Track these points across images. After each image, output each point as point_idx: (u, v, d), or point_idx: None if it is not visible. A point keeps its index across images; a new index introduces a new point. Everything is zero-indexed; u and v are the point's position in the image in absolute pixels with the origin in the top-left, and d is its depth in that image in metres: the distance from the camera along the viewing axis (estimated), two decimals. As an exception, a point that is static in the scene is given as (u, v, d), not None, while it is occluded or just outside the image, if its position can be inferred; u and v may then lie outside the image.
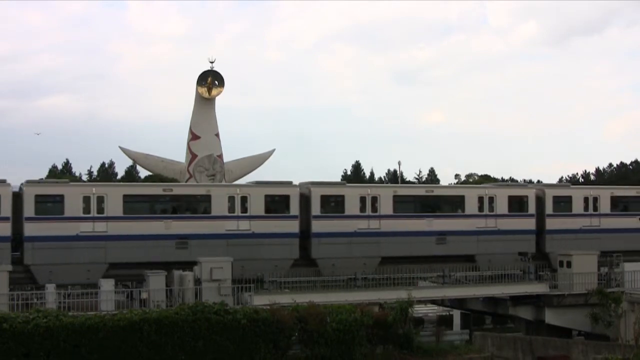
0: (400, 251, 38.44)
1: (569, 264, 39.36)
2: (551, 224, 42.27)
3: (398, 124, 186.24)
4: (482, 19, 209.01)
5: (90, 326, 26.69)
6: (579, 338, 39.02)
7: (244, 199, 36.59)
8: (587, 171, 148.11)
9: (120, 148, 63.25)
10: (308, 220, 37.69)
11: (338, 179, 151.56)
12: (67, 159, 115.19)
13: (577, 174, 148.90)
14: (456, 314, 50.17)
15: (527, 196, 42.16)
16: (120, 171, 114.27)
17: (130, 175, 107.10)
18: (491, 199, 41.14)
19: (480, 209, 40.80)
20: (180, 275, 33.20)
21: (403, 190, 41.68)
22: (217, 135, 58.51)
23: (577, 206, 43.00)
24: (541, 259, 41.54)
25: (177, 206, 36.80)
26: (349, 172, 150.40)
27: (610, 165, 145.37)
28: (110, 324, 26.94)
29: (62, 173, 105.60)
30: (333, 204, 38.93)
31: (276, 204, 37.83)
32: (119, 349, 26.86)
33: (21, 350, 25.96)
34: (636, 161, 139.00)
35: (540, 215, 42.08)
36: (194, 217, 36.28)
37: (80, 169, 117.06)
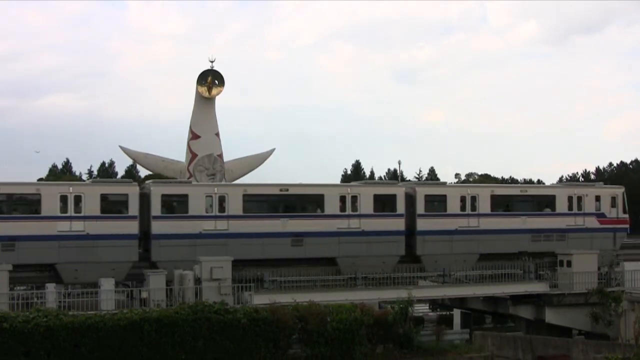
0: (252, 253, 35.92)
1: (569, 264, 39.37)
2: (423, 224, 39.45)
3: (398, 123, 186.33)
4: (482, 19, 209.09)
5: (90, 325, 26.71)
6: (579, 337, 39.03)
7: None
8: (587, 170, 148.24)
9: (121, 147, 63.22)
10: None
11: (338, 178, 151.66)
12: (67, 159, 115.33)
13: (577, 173, 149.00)
14: (456, 314, 50.21)
15: (395, 195, 39.34)
16: (121, 171, 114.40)
17: (130, 174, 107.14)
18: (354, 198, 38.35)
19: (342, 208, 38.11)
20: (180, 274, 33.23)
21: (253, 189, 38.69)
22: (217, 134, 58.48)
23: (453, 206, 40.32)
24: (413, 262, 39.10)
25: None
26: (349, 172, 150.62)
27: (611, 164, 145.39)
28: (111, 324, 26.95)
29: (62, 172, 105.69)
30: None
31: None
32: (119, 348, 26.88)
33: (21, 350, 25.98)
34: (636, 160, 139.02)
35: (411, 216, 39.52)
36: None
37: (80, 168, 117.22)
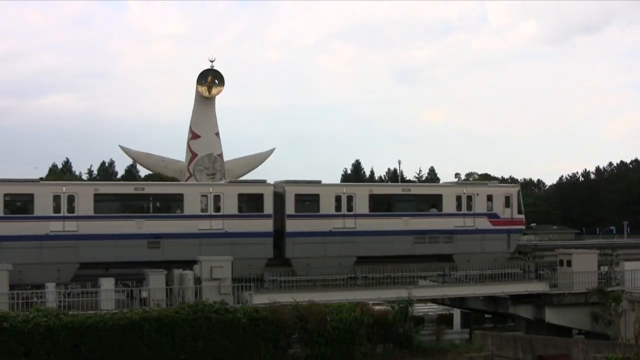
0: (102, 256, 34.10)
1: (569, 263, 39.37)
2: (293, 225, 37.28)
3: (398, 123, 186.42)
4: (482, 19, 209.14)
5: (90, 325, 26.71)
6: (579, 337, 39.03)
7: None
8: (588, 170, 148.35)
9: (121, 147, 63.23)
10: None
11: (338, 178, 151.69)
12: (67, 158, 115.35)
13: (577, 173, 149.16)
14: (456, 313, 50.23)
15: (262, 194, 37.17)
16: (121, 170, 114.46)
17: (131, 174, 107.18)
18: (217, 198, 36.43)
19: (204, 209, 36.19)
20: (180, 274, 33.24)
21: (105, 189, 36.49)
22: (217, 134, 58.49)
23: (327, 206, 37.93)
24: (283, 266, 37.09)
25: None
26: (349, 172, 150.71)
27: (611, 164, 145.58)
28: (111, 323, 26.95)
29: (62, 172, 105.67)
30: None
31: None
32: (119, 348, 26.88)
33: (21, 349, 25.99)
34: (636, 160, 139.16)
35: (281, 216, 37.47)
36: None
37: (80, 168, 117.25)
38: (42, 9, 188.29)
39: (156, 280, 32.18)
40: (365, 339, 30.39)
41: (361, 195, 38.85)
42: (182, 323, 27.71)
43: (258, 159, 67.06)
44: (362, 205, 38.55)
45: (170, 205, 36.81)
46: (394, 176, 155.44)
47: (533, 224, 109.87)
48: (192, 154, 57.60)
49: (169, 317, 27.77)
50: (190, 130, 58.43)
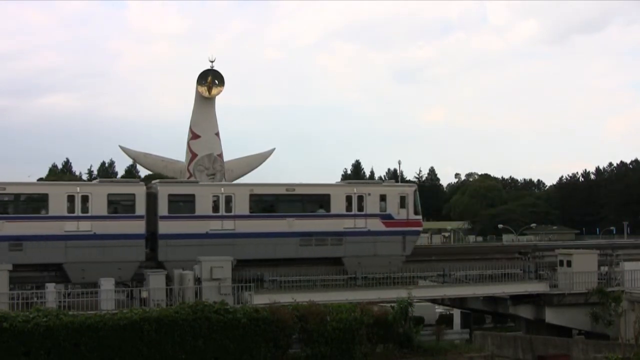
0: None
1: (569, 263, 39.38)
2: (166, 227, 35.88)
3: (398, 122, 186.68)
4: (482, 18, 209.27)
5: (90, 325, 26.69)
6: (579, 337, 39.05)
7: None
8: (588, 170, 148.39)
9: (120, 147, 63.26)
10: None
11: (338, 177, 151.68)
12: (67, 158, 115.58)
13: (577, 173, 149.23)
14: (456, 313, 50.27)
15: (134, 194, 35.65)
16: (121, 170, 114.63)
17: (130, 174, 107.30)
18: (85, 198, 34.85)
19: (71, 209, 34.53)
20: (180, 274, 33.26)
21: None
22: (217, 134, 58.52)
23: (203, 206, 36.66)
24: (157, 268, 35.45)
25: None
26: (349, 172, 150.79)
27: (611, 164, 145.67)
28: (111, 323, 26.93)
29: (62, 172, 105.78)
30: None
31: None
32: (119, 348, 26.86)
33: (21, 349, 25.95)
34: (636, 160, 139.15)
35: (154, 218, 36.07)
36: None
37: (80, 168, 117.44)
38: (42, 8, 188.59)
39: (156, 280, 32.21)
40: (365, 338, 30.37)
41: (241, 195, 37.25)
42: (182, 323, 27.68)
43: (258, 159, 67.09)
44: (241, 205, 37.00)
45: (34, 206, 35.05)
46: (394, 176, 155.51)
47: (533, 224, 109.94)
48: (192, 154, 57.64)
49: (169, 317, 27.75)
50: (190, 130, 58.47)
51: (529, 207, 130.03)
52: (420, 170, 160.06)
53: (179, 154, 61.80)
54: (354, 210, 38.59)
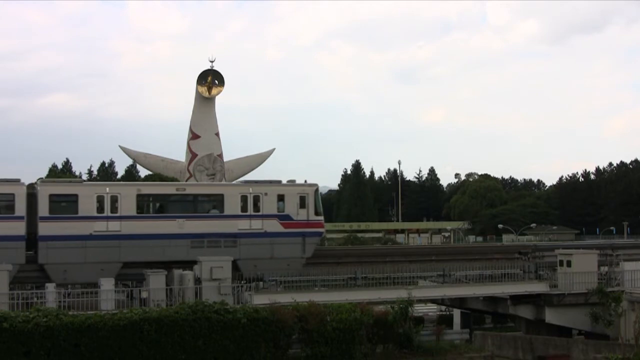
0: None
1: (569, 264, 39.38)
2: (47, 228, 34.24)
3: (398, 122, 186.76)
4: (482, 17, 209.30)
5: (90, 325, 26.72)
6: (579, 337, 39.06)
7: None
8: (588, 170, 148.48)
9: (120, 147, 63.34)
10: None
11: (338, 177, 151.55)
12: (67, 158, 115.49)
13: (577, 173, 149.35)
14: (456, 313, 50.24)
15: (13, 194, 34.06)
16: (121, 170, 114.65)
17: (131, 174, 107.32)
18: None
19: None
20: (180, 274, 33.28)
21: None
22: (217, 134, 58.57)
23: (87, 207, 35.03)
24: (38, 271, 34.31)
25: None
26: (349, 172, 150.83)
27: (610, 164, 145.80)
28: (111, 323, 26.95)
29: (62, 172, 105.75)
30: None
31: None
32: (119, 348, 26.89)
33: (21, 349, 25.98)
34: (636, 160, 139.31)
35: (34, 219, 34.48)
36: None
37: (80, 168, 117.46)
38: (42, 8, 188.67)
39: (156, 281, 32.22)
40: (365, 339, 30.40)
41: (127, 195, 35.97)
42: (182, 323, 27.71)
43: (258, 159, 67.15)
44: (128, 206, 35.71)
45: None
46: (394, 176, 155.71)
47: (533, 225, 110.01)
48: (192, 154, 57.70)
49: (169, 318, 27.77)
50: (190, 131, 58.53)
51: (529, 207, 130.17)
52: (420, 171, 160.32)
53: (179, 154, 61.94)
54: (250, 211, 37.27)
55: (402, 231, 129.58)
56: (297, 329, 29.54)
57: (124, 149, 63.54)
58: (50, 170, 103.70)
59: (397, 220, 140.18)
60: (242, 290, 33.32)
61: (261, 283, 35.33)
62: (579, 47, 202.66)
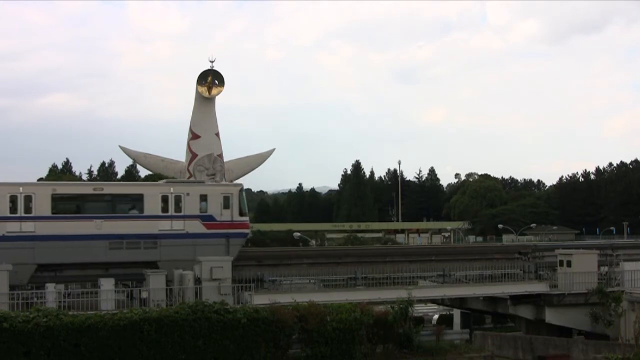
0: None
1: (569, 264, 39.38)
2: None
3: (398, 122, 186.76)
4: (482, 17, 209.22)
5: (90, 325, 26.72)
6: (579, 337, 39.07)
7: None
8: (588, 170, 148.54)
9: (120, 147, 63.27)
10: None
11: (338, 178, 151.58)
12: (67, 159, 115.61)
13: (577, 173, 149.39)
14: (456, 314, 50.25)
15: None
16: (121, 170, 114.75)
17: (130, 174, 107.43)
18: None
19: None
20: (180, 274, 33.28)
21: None
22: (217, 134, 58.54)
23: None
24: None
25: None
26: (349, 172, 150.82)
27: (610, 164, 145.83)
28: (111, 323, 26.95)
29: (63, 172, 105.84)
30: None
31: None
32: (119, 348, 26.89)
33: (21, 349, 25.98)
34: (636, 160, 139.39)
35: None
36: None
37: (80, 168, 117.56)
38: (42, 8, 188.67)
39: (156, 281, 32.22)
40: (365, 339, 30.40)
41: (42, 195, 34.91)
42: (182, 323, 27.71)
43: (258, 159, 67.08)
44: (43, 206, 34.68)
45: None
46: (394, 176, 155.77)
47: (533, 225, 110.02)
48: (192, 154, 57.67)
49: (169, 318, 27.77)
50: (190, 131, 58.50)
51: (529, 207, 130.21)
52: (420, 171, 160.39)
53: (179, 154, 61.90)
54: (171, 212, 36.42)
55: (402, 231, 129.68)
56: (297, 329, 29.55)
57: (124, 149, 63.54)
58: (51, 171, 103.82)
59: (397, 221, 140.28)
60: (242, 290, 33.31)
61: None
62: (579, 47, 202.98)
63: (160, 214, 36.16)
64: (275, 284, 36.08)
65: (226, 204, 37.19)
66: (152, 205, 36.13)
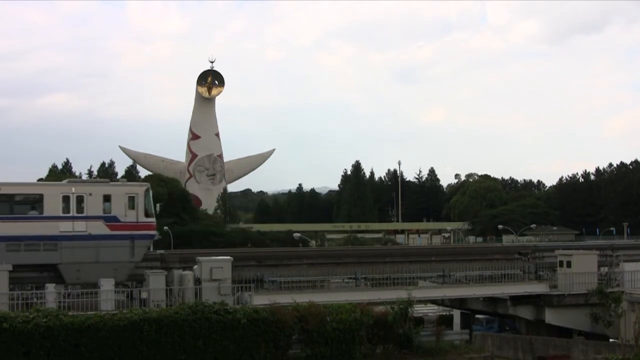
0: None
1: (569, 264, 39.37)
2: None
3: (398, 122, 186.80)
4: (482, 17, 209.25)
5: (90, 326, 26.74)
6: (579, 338, 39.05)
7: None
8: (588, 171, 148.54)
9: (121, 148, 63.50)
10: None
11: (338, 178, 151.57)
12: (67, 159, 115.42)
13: (577, 174, 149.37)
14: (456, 314, 50.21)
15: None
16: (121, 171, 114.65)
17: (131, 174, 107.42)
18: None
19: None
20: (180, 274, 33.27)
21: None
22: (217, 135, 58.68)
23: None
24: None
25: None
26: (349, 172, 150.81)
27: (610, 165, 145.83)
28: (110, 324, 26.97)
29: (63, 173, 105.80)
30: None
31: None
32: (119, 348, 26.90)
33: (21, 350, 26.01)
34: (636, 161, 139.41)
35: None
36: None
37: (80, 168, 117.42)
38: (42, 8, 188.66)
39: (156, 281, 32.22)
40: (365, 339, 30.40)
41: None
42: (182, 324, 27.72)
43: (258, 160, 67.22)
44: None
45: None
46: (394, 177, 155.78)
47: (533, 225, 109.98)
48: (192, 155, 57.79)
49: (169, 318, 27.78)
50: (190, 131, 58.63)
51: (529, 208, 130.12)
52: (420, 171, 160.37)
53: (179, 154, 62.04)
54: (72, 212, 34.87)
55: (402, 232, 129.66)
56: (297, 330, 29.55)
57: (124, 150, 63.66)
58: (51, 171, 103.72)
59: (397, 221, 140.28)
60: (242, 290, 33.32)
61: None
62: (579, 47, 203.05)
63: (61, 214, 34.64)
64: (275, 284, 36.06)
65: (131, 204, 35.66)
66: (52, 206, 34.63)
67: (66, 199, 34.83)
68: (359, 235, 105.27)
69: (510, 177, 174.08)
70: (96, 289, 31.91)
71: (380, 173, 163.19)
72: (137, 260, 35.35)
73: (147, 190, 36.50)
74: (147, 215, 36.03)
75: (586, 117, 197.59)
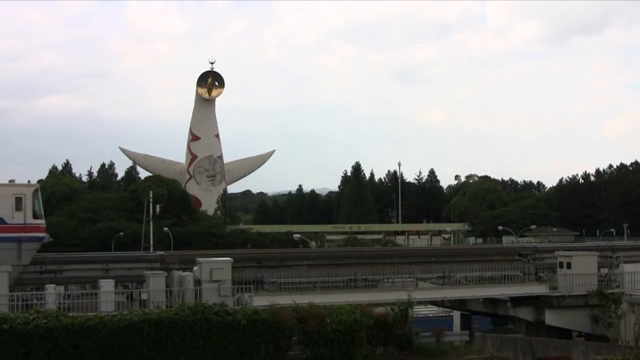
0: None
1: (569, 265, 39.36)
2: None
3: (398, 123, 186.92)
4: (482, 18, 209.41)
5: (90, 327, 26.75)
6: (579, 339, 39.03)
7: None
8: (587, 172, 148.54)
9: (121, 149, 63.49)
10: None
11: (338, 179, 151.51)
12: (67, 160, 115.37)
13: (577, 175, 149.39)
14: (456, 315, 50.19)
15: None
16: (120, 172, 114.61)
17: (131, 175, 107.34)
18: None
19: None
20: (180, 276, 33.27)
21: None
22: (217, 136, 58.67)
23: None
24: None
25: None
26: (349, 173, 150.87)
27: (610, 166, 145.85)
28: (110, 325, 26.97)
29: (62, 174, 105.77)
30: None
31: None
32: (119, 349, 26.90)
33: (21, 351, 26.02)
34: (636, 162, 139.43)
35: None
36: None
37: (80, 169, 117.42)
38: (42, 8, 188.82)
39: (156, 282, 32.21)
40: (365, 340, 30.39)
41: None
42: (181, 325, 27.72)
43: (258, 161, 67.18)
44: None
45: None
46: (394, 178, 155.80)
47: (533, 226, 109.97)
48: (192, 156, 57.75)
49: (169, 319, 27.78)
50: (191, 132, 58.62)
51: (529, 209, 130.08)
52: (420, 172, 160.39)
53: (179, 155, 62.05)
54: None
55: (402, 233, 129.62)
56: (297, 331, 29.55)
57: (124, 151, 63.64)
58: (51, 172, 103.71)
59: (397, 222, 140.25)
60: (242, 291, 33.32)
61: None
62: (579, 47, 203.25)
63: None
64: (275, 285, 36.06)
65: (18, 205, 34.04)
66: None
67: None
68: (359, 236, 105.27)
69: (510, 178, 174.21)
70: (96, 290, 31.92)
71: (380, 174, 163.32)
72: (25, 263, 33.75)
73: (35, 191, 35.05)
74: (35, 217, 34.55)
75: (586, 118, 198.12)
